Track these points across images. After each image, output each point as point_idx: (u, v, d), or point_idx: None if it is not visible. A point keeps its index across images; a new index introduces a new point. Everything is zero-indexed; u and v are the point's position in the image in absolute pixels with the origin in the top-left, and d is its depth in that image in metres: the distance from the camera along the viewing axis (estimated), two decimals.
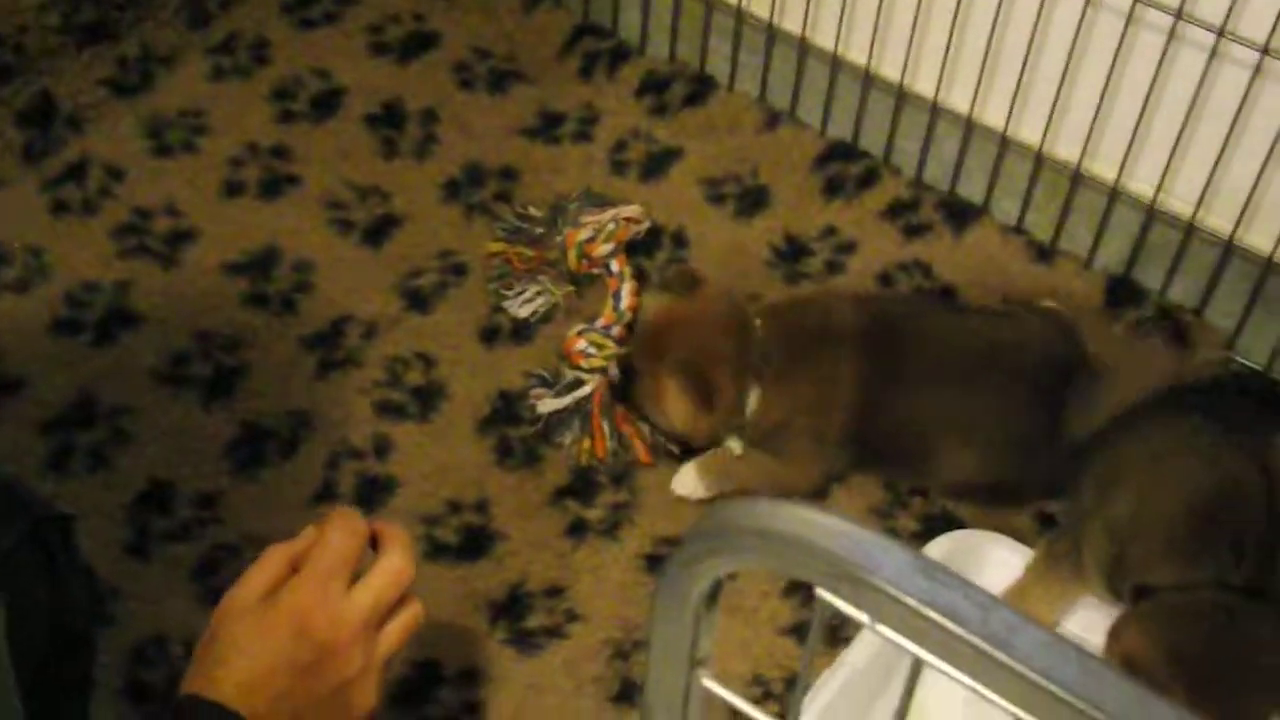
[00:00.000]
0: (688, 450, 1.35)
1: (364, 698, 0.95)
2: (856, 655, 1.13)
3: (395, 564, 0.97)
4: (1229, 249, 1.42)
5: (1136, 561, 1.17)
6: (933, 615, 0.48)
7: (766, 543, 0.50)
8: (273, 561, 0.96)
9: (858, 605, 0.50)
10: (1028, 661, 0.47)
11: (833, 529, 0.49)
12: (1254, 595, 1.14)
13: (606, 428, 1.35)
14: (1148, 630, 1.12)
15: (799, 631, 1.25)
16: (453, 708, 1.21)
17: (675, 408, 1.30)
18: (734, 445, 1.35)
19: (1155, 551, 1.17)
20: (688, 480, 1.33)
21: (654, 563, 1.30)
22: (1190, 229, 1.43)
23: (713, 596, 0.55)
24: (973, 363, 1.30)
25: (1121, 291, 1.48)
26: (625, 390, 1.34)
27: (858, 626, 1.22)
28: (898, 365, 1.30)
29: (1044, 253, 1.51)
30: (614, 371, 1.36)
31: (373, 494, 1.32)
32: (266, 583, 0.94)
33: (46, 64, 1.60)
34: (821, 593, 0.51)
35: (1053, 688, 0.47)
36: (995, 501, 1.32)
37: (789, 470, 1.33)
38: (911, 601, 0.48)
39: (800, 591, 1.27)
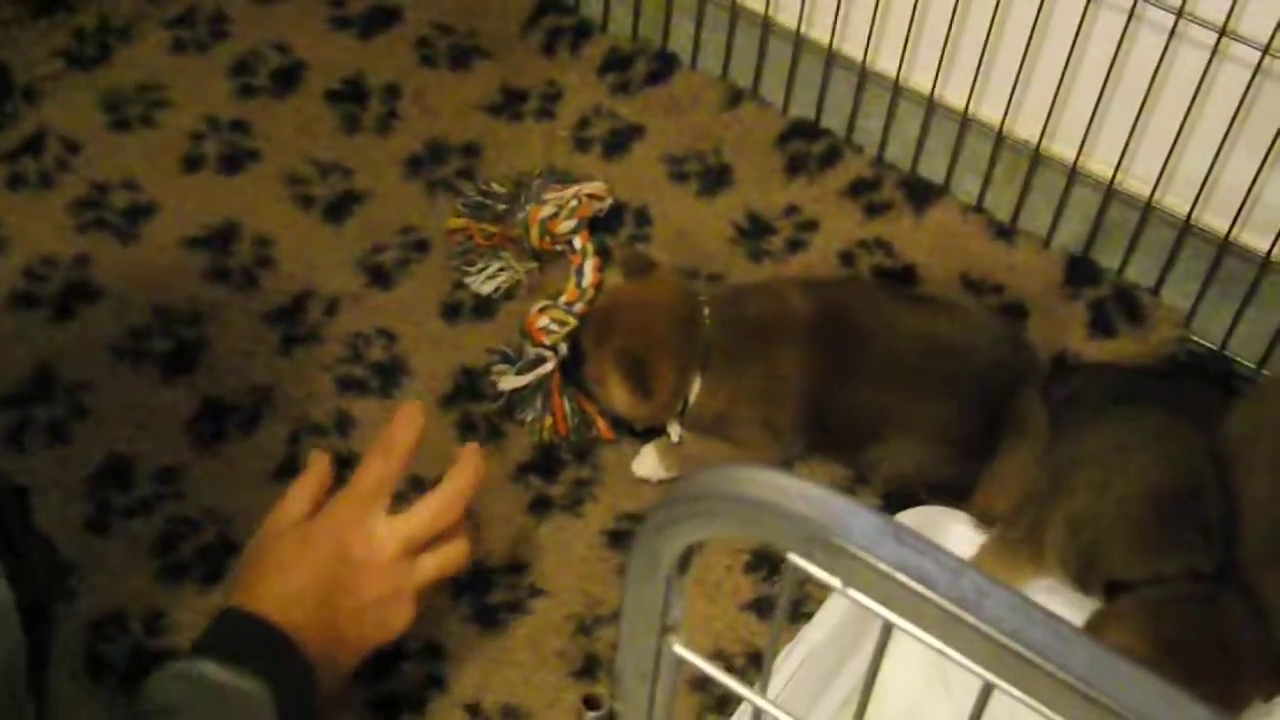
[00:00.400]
0: (648, 429, 1.35)
1: (396, 618, 1.00)
2: (822, 625, 1.14)
3: (443, 498, 1.03)
4: (1186, 229, 1.43)
5: (1107, 558, 1.17)
6: (903, 579, 0.49)
7: (740, 508, 0.50)
8: (311, 480, 1.00)
9: (829, 570, 0.51)
10: (996, 624, 0.48)
11: (806, 494, 0.49)
12: (1223, 579, 1.15)
13: (567, 405, 1.35)
14: (1134, 628, 1.12)
15: (761, 607, 1.26)
16: (416, 682, 1.21)
17: (615, 394, 1.30)
18: (672, 432, 1.35)
19: (1125, 547, 1.17)
20: (648, 462, 1.34)
21: (617, 538, 1.30)
22: (1148, 209, 1.44)
23: (685, 563, 0.55)
24: (922, 358, 1.31)
25: (1080, 270, 1.50)
26: (574, 370, 1.34)
27: (820, 600, 1.23)
28: (848, 356, 1.30)
29: (1004, 232, 1.52)
30: (564, 350, 1.36)
31: (336, 469, 1.31)
32: (306, 502, 0.99)
33: (1, 35, 1.58)
34: (793, 557, 0.51)
35: (1021, 649, 0.47)
36: (941, 494, 1.33)
37: (746, 457, 1.33)
38: (883, 565, 0.49)
39: (763, 567, 1.28)
